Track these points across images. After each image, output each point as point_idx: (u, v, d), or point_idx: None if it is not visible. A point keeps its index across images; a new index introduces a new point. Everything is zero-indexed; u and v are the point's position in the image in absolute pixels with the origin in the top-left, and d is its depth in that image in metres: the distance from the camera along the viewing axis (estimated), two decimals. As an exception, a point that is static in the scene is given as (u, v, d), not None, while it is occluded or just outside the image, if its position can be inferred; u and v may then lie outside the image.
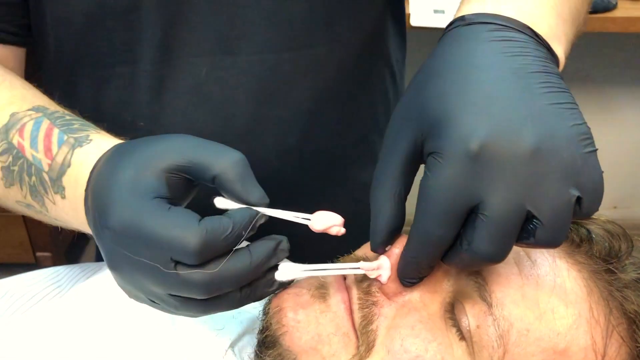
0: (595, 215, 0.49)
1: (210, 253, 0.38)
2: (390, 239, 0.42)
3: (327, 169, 0.68)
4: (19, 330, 0.52)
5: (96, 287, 0.56)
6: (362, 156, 0.71)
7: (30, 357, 0.49)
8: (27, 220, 1.53)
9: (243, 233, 0.39)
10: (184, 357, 0.50)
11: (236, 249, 0.39)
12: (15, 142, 0.49)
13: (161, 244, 0.37)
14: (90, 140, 0.47)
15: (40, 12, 0.59)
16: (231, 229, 0.38)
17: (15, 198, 0.50)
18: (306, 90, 0.63)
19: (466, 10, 0.42)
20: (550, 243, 0.37)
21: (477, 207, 0.36)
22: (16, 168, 0.48)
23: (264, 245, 0.40)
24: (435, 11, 1.51)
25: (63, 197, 0.46)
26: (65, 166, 0.46)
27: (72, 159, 0.46)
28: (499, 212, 0.36)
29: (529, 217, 0.36)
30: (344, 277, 0.46)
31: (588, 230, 0.47)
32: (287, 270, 0.40)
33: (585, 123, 0.38)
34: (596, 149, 0.37)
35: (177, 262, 0.38)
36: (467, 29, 0.41)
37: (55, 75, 0.64)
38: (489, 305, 0.42)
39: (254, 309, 0.56)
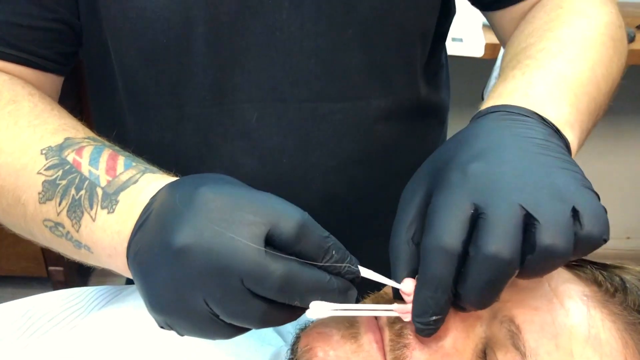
0: (626, 264, 0.49)
1: (303, 241, 0.38)
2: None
3: (370, 219, 0.68)
4: (33, 355, 0.52)
5: (116, 314, 0.55)
6: None
7: None
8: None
9: (334, 253, 0.39)
10: (207, 391, 0.49)
11: (317, 265, 0.39)
12: (70, 158, 0.48)
13: (264, 212, 0.38)
14: (163, 173, 0.47)
15: (101, 45, 0.59)
16: (327, 235, 0.39)
17: (45, 216, 0.48)
18: (356, 140, 0.63)
19: (486, 105, 0.48)
20: (554, 250, 0.36)
21: (478, 213, 0.38)
22: (64, 182, 0.47)
23: (341, 280, 0.40)
24: (454, 39, 1.52)
25: (111, 212, 0.44)
26: (130, 182, 0.45)
27: (140, 179, 0.45)
28: (497, 209, 0.37)
29: (530, 222, 0.37)
30: (376, 317, 0.46)
31: (622, 280, 0.46)
32: (318, 309, 0.39)
33: (581, 174, 0.40)
34: (593, 190, 0.39)
35: (267, 245, 0.38)
36: (482, 118, 0.45)
37: (103, 110, 0.64)
38: (523, 355, 0.41)
39: (277, 342, 0.55)
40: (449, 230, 0.38)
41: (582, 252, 0.38)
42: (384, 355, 0.44)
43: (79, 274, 1.65)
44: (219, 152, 0.61)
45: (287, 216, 0.38)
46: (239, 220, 0.38)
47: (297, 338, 0.46)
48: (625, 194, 2.09)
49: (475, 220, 0.38)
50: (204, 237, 0.37)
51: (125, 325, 0.54)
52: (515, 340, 0.42)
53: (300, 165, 0.62)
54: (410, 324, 0.43)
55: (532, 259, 0.37)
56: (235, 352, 0.52)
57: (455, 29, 1.60)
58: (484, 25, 1.56)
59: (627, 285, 0.46)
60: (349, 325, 0.45)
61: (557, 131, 0.45)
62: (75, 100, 1.52)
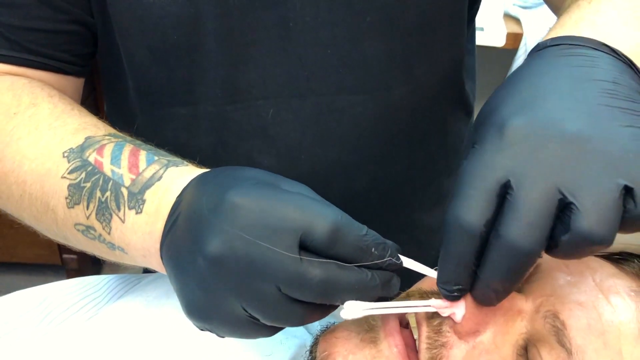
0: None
1: (339, 244, 0.36)
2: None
3: (393, 213, 0.65)
4: (50, 344, 0.51)
5: (135, 305, 0.54)
6: (429, 200, 0.68)
7: None
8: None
9: (374, 250, 0.37)
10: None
11: (357, 265, 0.37)
12: (91, 159, 0.47)
13: (295, 218, 0.36)
14: (187, 165, 0.45)
15: (111, 45, 0.58)
16: (365, 232, 0.37)
17: (75, 220, 0.47)
18: (378, 134, 0.60)
19: (547, 37, 0.42)
20: (591, 236, 0.33)
21: (507, 188, 0.34)
22: (88, 184, 0.46)
23: (382, 273, 0.38)
24: (476, 29, 1.49)
25: (139, 212, 0.43)
26: (154, 179, 0.44)
27: (164, 174, 0.44)
28: (527, 192, 0.34)
29: (566, 205, 0.34)
30: (399, 317, 0.44)
31: (672, 274, 0.44)
32: (352, 309, 0.38)
33: None
34: None
35: (301, 249, 0.36)
36: (538, 53, 0.40)
37: (119, 111, 0.62)
38: (569, 353, 0.39)
39: (302, 335, 0.54)
40: (472, 207, 0.35)
41: (635, 230, 0.35)
42: (406, 358, 0.42)
43: (92, 262, 1.64)
44: (235, 150, 0.59)
45: (320, 219, 0.36)
46: (270, 227, 0.36)
47: (316, 342, 0.45)
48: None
49: (504, 197, 0.35)
50: (236, 247, 0.36)
51: (144, 317, 0.53)
52: (560, 336, 0.40)
53: (320, 162, 0.59)
54: (449, 319, 0.41)
55: (565, 243, 0.34)
56: (258, 343, 0.50)
57: (477, 18, 1.57)
58: (505, 15, 1.53)
59: (678, 279, 0.44)
60: (369, 329, 0.43)
61: (631, 65, 0.39)
62: (89, 93, 1.51)
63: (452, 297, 0.39)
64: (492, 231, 0.35)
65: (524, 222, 0.34)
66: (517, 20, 1.53)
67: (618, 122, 0.35)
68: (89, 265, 1.64)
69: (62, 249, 1.62)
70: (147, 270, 0.73)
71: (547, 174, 0.34)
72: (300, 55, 0.55)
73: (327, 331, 0.45)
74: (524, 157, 0.34)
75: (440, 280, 0.38)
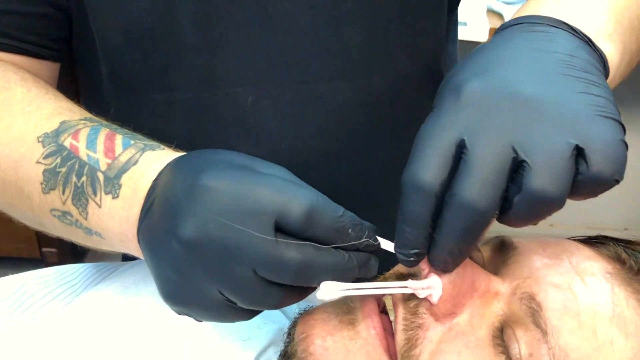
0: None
1: (315, 226, 0.36)
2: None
3: (375, 206, 0.64)
4: (25, 332, 0.50)
5: (111, 291, 0.53)
6: None
7: None
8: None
9: (350, 231, 0.37)
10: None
11: (333, 247, 0.37)
12: (67, 144, 0.46)
13: (269, 200, 0.36)
14: (164, 148, 0.45)
15: (84, 29, 0.56)
16: (341, 213, 0.37)
17: (51, 206, 0.46)
18: (359, 123, 0.60)
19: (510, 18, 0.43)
20: (543, 194, 0.34)
21: (462, 149, 0.35)
22: (64, 169, 0.45)
23: (359, 254, 0.38)
24: (458, 23, 1.50)
25: (115, 197, 0.43)
26: (130, 163, 0.43)
27: (140, 158, 0.43)
28: (481, 150, 0.34)
29: (519, 164, 0.34)
30: (377, 301, 0.44)
31: (646, 257, 0.44)
32: (328, 290, 0.37)
33: (605, 98, 0.35)
34: (614, 119, 0.35)
35: (277, 231, 0.36)
36: (501, 32, 0.41)
37: (94, 97, 0.61)
38: (544, 333, 0.39)
39: (279, 319, 0.53)
40: (428, 167, 0.35)
41: (588, 194, 0.36)
42: (384, 339, 0.42)
43: (72, 256, 1.62)
44: (213, 139, 0.58)
45: (295, 201, 0.36)
46: (244, 209, 0.36)
47: (294, 324, 0.45)
48: (623, 185, 2.07)
49: (459, 158, 0.35)
50: (211, 231, 0.36)
51: (122, 302, 0.52)
52: (536, 317, 0.40)
53: (300, 152, 0.59)
54: (425, 301, 0.41)
55: (518, 203, 0.35)
56: (236, 328, 0.50)
57: (459, 12, 1.58)
58: (489, 10, 1.54)
59: (652, 262, 0.44)
60: (347, 311, 0.43)
61: (589, 43, 0.40)
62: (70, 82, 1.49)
63: (410, 263, 0.38)
64: (447, 193, 0.35)
65: (478, 180, 0.34)
66: (500, 16, 1.53)
67: (572, 89, 0.36)
68: (69, 258, 1.62)
69: (42, 242, 1.60)
70: (126, 258, 0.73)
71: (501, 132, 0.34)
72: (280, 41, 0.55)
73: (305, 313, 0.44)
74: (479, 117, 0.35)
75: (397, 245, 0.38)
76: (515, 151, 0.34)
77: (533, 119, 0.34)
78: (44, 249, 1.60)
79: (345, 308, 0.43)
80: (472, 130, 0.35)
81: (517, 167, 0.35)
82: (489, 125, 0.35)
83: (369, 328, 0.42)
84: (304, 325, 0.43)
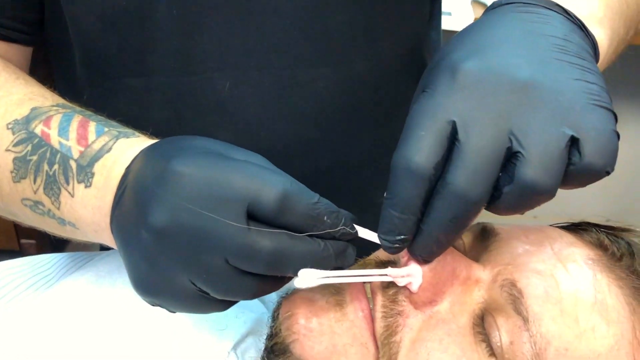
0: (633, 227, 0.46)
1: (289, 213, 0.35)
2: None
3: (357, 192, 0.63)
4: (1, 321, 0.49)
5: (86, 280, 0.52)
6: None
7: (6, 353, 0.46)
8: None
9: (326, 219, 0.36)
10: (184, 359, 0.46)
11: (308, 235, 0.36)
12: (38, 131, 0.44)
13: (241, 187, 0.35)
14: (138, 136, 0.43)
15: (56, 12, 0.55)
16: (316, 200, 0.36)
17: (22, 195, 0.45)
18: (341, 110, 0.58)
19: None
20: (534, 185, 0.33)
21: (456, 132, 0.34)
22: (35, 157, 0.44)
23: (335, 243, 0.37)
24: (443, 13, 1.49)
25: (88, 186, 0.41)
26: (103, 151, 0.42)
27: (114, 146, 0.42)
28: (476, 137, 0.33)
29: (513, 154, 0.34)
30: (364, 283, 0.43)
31: (628, 243, 0.44)
32: (306, 278, 0.36)
33: (598, 85, 0.35)
34: (608, 108, 0.34)
35: (250, 219, 0.35)
36: (493, 10, 0.40)
37: (67, 83, 0.59)
38: (525, 320, 0.39)
39: (258, 309, 0.53)
40: (421, 149, 0.34)
41: (578, 184, 0.35)
42: (371, 322, 0.41)
43: (52, 247, 1.60)
44: (191, 125, 0.57)
45: (268, 187, 0.35)
46: (215, 196, 0.35)
47: (279, 304, 0.44)
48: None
49: (453, 143, 0.34)
50: (181, 219, 0.35)
51: (95, 291, 0.51)
52: (517, 304, 0.39)
53: (280, 139, 0.57)
54: (405, 289, 0.40)
55: (508, 193, 0.34)
56: (212, 318, 0.49)
57: (444, 2, 1.58)
58: (473, 0, 1.54)
59: (634, 249, 0.44)
60: (335, 292, 0.42)
61: (582, 28, 0.39)
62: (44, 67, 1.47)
63: (394, 250, 0.37)
64: (439, 179, 0.34)
65: (472, 170, 0.33)
66: (484, 6, 1.53)
67: (568, 75, 0.35)
68: (49, 250, 1.59)
69: (20, 234, 1.58)
70: (103, 248, 0.71)
71: (497, 120, 0.34)
72: (259, 25, 0.53)
73: (291, 292, 0.44)
74: (475, 100, 0.34)
75: (382, 230, 0.37)
76: (510, 140, 0.33)
77: (529, 107, 0.34)
78: (23, 241, 1.58)
79: (333, 289, 0.42)
80: (468, 114, 0.34)
81: (510, 157, 0.34)
82: (485, 111, 0.34)
83: (356, 310, 0.41)
84: (289, 304, 0.42)
